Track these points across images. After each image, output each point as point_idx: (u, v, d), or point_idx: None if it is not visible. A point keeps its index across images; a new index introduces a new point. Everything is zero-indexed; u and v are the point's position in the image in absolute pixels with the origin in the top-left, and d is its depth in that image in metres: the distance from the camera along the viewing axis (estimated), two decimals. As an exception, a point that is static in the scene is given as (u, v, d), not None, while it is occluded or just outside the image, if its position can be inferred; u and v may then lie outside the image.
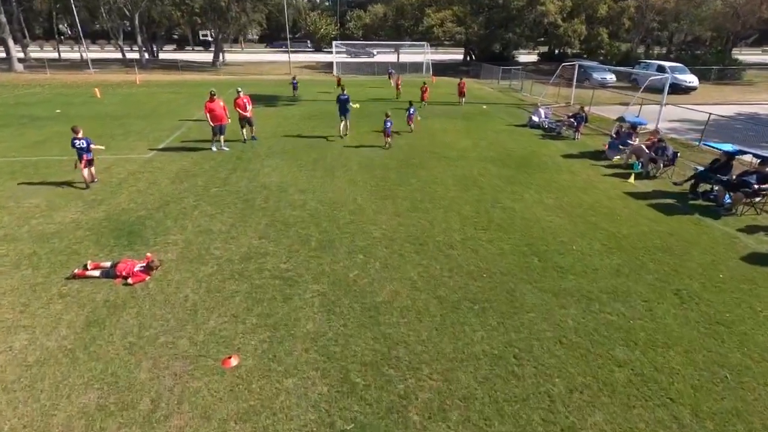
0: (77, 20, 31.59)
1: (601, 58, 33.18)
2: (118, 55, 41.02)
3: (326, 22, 62.58)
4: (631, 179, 10.64)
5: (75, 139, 9.15)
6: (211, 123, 12.15)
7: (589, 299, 6.00)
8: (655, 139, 11.16)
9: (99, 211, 8.41)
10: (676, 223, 8.43)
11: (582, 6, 31.63)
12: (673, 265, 6.89)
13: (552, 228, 8.09)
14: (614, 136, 12.82)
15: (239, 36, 57.81)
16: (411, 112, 14.67)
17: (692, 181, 9.76)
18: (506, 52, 39.07)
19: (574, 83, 20.45)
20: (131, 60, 36.72)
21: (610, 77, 27.61)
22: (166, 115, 17.45)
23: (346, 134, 14.42)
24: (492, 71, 31.66)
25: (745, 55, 49.51)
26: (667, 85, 14.81)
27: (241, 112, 13.18)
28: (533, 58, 50.45)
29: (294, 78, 24.10)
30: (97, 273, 6.26)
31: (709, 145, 10.91)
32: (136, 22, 34.84)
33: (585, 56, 45.54)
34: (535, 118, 16.11)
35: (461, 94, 21.45)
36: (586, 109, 15.01)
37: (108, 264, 6.44)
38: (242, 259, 6.82)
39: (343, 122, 14.26)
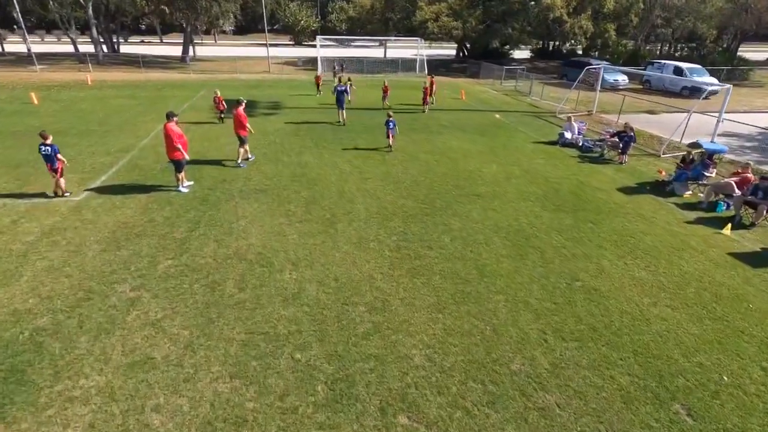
0: (17, 8, 27.09)
1: (607, 56, 31.04)
2: (73, 49, 36.44)
3: (306, 14, 58.82)
4: (727, 230, 8.15)
5: (42, 145, 8.46)
6: (188, 156, 9.08)
7: None
8: (749, 175, 8.70)
9: (-28, 320, 5.31)
10: (834, 314, 5.95)
11: (590, 1, 29.23)
12: None
13: (671, 333, 5.46)
14: (681, 164, 10.34)
15: (212, 28, 53.41)
16: (391, 126, 12.19)
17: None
18: (507, 48, 36.50)
19: (598, 89, 18.03)
20: (88, 54, 32.34)
21: (623, 79, 25.39)
22: (114, 130, 14.06)
23: (344, 122, 15.36)
24: (492, 70, 29.05)
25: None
26: (728, 97, 12.44)
27: (247, 126, 10.76)
28: (526, 54, 48.17)
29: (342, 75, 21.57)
30: None
31: None
32: (90, 11, 30.49)
33: (580, 53, 43.59)
34: (568, 135, 13.54)
35: (430, 93, 18.54)
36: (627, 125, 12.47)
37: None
38: (200, 439, 3.93)
39: (341, 111, 15.41)
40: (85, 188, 9.33)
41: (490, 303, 5.94)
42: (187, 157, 9.09)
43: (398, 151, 12.60)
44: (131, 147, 12.27)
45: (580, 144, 13.41)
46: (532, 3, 28.77)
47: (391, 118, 12.17)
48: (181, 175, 9.29)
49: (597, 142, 13.01)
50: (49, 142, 8.49)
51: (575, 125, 13.66)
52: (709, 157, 9.90)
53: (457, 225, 8.17)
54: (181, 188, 9.28)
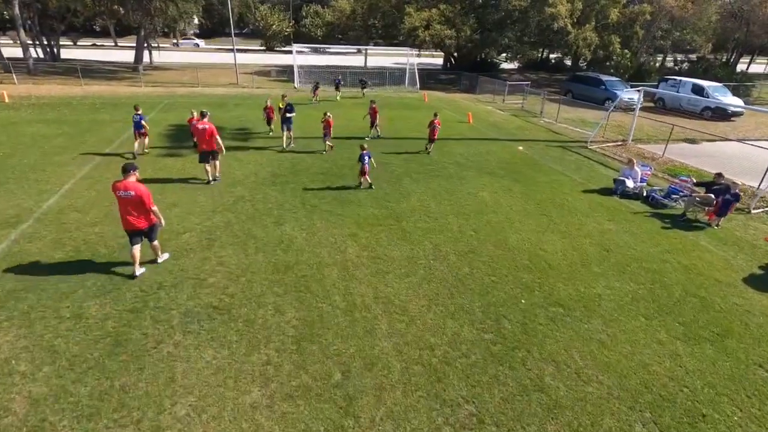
0: None
1: (612, 71, 28.91)
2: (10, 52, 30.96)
3: (279, 18, 54.75)
4: None
5: (135, 114, 11.11)
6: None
7: None
8: None
9: None
10: None
11: (592, 10, 26.89)
12: None
13: None
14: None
15: (171, 32, 48.52)
16: (366, 160, 10.08)
17: None
18: (507, 56, 33.89)
19: (636, 113, 15.30)
20: (18, 61, 27.08)
21: (637, 97, 22.94)
22: (11, 179, 9.90)
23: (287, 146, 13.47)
24: (493, 85, 26.20)
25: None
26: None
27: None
28: (513, 65, 46.02)
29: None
30: None
31: None
32: (16, 10, 25.45)
33: (569, 63, 41.70)
34: (630, 184, 10.52)
35: (373, 123, 14.63)
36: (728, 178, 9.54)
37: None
38: None
39: (286, 133, 13.47)
40: None
41: None
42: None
43: (419, 210, 9.20)
44: (25, 214, 8.25)
45: (645, 194, 10.44)
46: (533, 11, 26.16)
47: (365, 151, 10.07)
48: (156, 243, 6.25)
49: (679, 196, 10.00)
50: (140, 112, 11.07)
51: (638, 170, 10.67)
52: None
53: (560, 390, 4.80)
54: (160, 259, 6.21)
